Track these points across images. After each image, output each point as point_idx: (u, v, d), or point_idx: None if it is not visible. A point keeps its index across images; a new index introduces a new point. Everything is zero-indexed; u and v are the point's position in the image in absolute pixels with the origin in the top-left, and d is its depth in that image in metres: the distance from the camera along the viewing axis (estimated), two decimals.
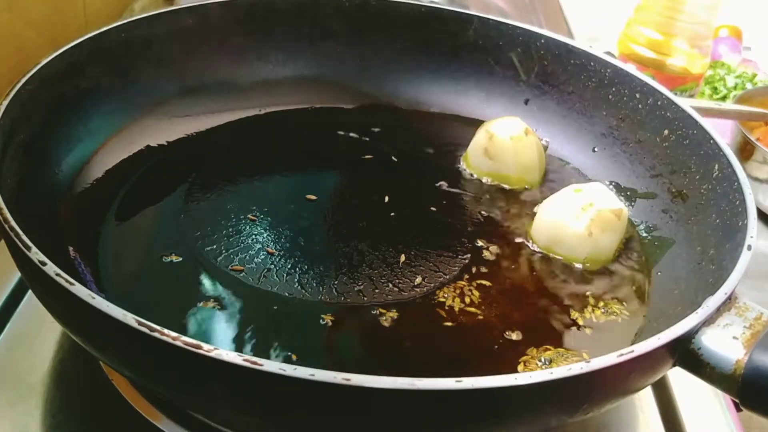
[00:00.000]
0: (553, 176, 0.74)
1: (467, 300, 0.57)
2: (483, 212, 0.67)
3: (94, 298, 0.39)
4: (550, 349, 0.53)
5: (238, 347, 0.50)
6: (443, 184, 0.71)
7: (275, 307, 0.54)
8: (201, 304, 0.53)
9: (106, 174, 0.65)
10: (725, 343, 0.44)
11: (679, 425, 0.58)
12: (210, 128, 0.74)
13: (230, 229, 0.61)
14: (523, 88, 0.80)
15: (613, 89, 0.74)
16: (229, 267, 0.57)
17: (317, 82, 0.82)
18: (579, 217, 0.61)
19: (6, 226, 0.45)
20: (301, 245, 0.60)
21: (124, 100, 0.70)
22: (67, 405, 0.53)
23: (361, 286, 0.57)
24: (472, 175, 0.72)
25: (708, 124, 0.64)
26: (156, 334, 0.37)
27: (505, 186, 0.71)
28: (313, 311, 0.54)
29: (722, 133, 0.65)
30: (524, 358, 0.53)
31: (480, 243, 0.63)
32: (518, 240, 0.65)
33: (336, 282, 0.57)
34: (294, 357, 0.50)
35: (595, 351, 0.54)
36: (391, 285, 0.57)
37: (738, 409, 0.60)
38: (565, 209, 0.62)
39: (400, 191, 0.68)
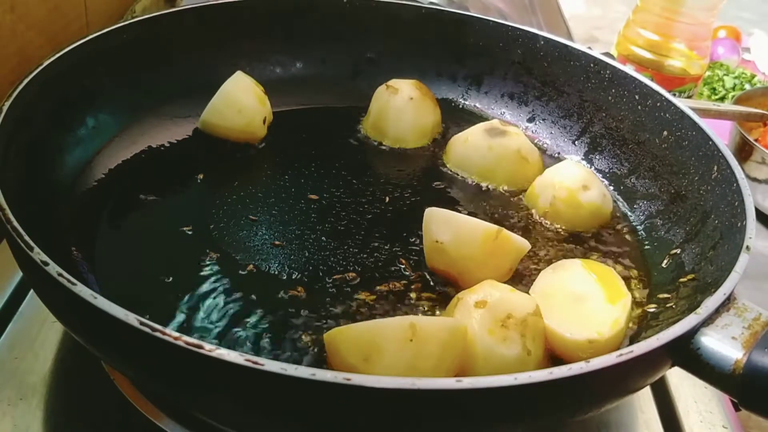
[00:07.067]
0: None
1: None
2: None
3: (96, 298, 0.39)
4: None
5: (239, 347, 0.51)
6: (438, 184, 0.71)
7: (276, 305, 0.54)
8: (204, 302, 0.54)
9: (108, 174, 0.65)
10: (724, 344, 0.44)
11: (679, 425, 0.58)
12: None
13: (231, 229, 0.61)
14: (522, 89, 0.81)
15: (613, 90, 0.74)
16: (230, 265, 0.57)
17: (317, 82, 0.83)
18: (507, 337, 0.49)
19: (8, 226, 0.45)
20: (303, 244, 0.60)
21: (125, 101, 0.71)
22: (68, 404, 0.53)
23: (362, 285, 0.57)
24: (457, 174, 0.72)
25: (707, 125, 0.64)
26: (158, 334, 0.37)
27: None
28: (315, 309, 0.54)
29: (721, 134, 0.65)
30: None
31: None
32: None
33: (338, 280, 0.57)
34: (300, 354, 0.50)
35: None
36: (392, 283, 0.57)
37: (737, 409, 0.60)
38: (486, 332, 0.49)
39: (400, 191, 0.69)
